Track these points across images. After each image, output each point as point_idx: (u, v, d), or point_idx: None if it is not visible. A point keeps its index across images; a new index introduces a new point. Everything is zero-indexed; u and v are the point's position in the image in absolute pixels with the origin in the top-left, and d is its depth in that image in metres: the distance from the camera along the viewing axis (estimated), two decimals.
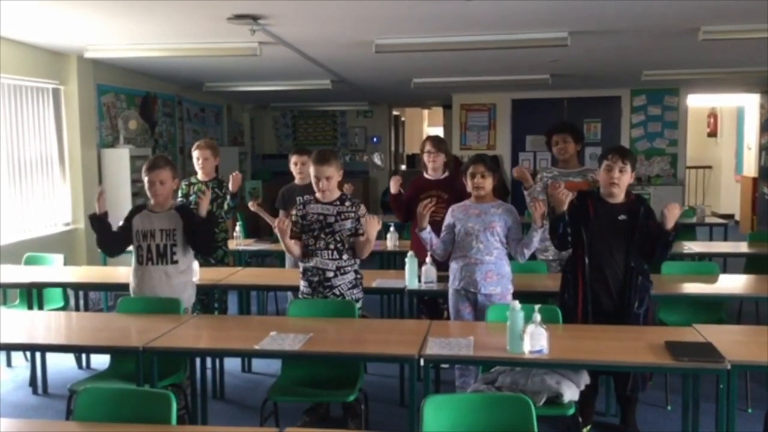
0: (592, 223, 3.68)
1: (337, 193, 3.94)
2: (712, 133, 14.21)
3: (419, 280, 4.40)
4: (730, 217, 11.99)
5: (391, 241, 6.01)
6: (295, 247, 3.98)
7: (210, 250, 4.22)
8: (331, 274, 3.88)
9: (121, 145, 7.59)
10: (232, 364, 4.96)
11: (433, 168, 4.97)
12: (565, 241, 3.77)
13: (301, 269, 4.00)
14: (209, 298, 4.97)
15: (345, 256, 3.90)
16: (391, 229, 6.09)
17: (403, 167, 15.30)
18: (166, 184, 3.99)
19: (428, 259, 4.36)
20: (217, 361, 4.57)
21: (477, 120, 11.45)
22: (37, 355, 4.75)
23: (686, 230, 6.77)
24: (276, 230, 3.89)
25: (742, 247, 6.31)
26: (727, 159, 13.50)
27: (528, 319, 3.09)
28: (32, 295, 4.82)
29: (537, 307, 3.11)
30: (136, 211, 4.09)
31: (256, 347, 3.28)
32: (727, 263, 6.13)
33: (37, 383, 4.73)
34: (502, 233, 3.99)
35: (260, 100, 12.12)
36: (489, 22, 5.42)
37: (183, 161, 9.16)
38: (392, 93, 11.17)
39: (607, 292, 3.67)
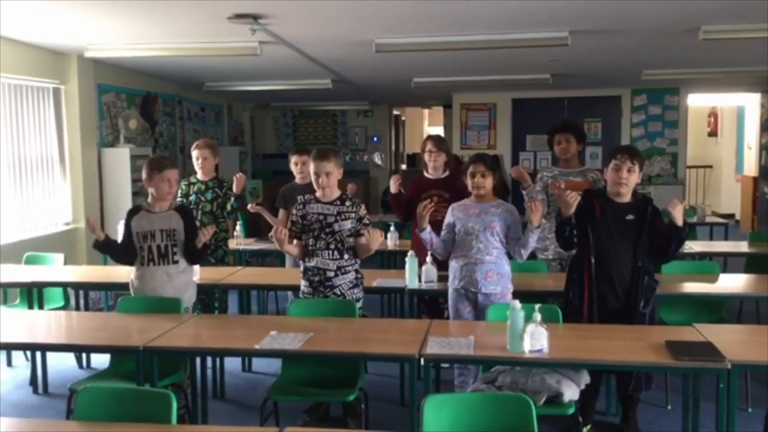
0: (599, 223, 3.67)
1: (337, 193, 3.94)
2: (713, 133, 14.21)
3: (419, 280, 4.40)
4: (731, 216, 12.00)
5: (392, 241, 6.01)
6: (294, 249, 3.98)
7: (196, 263, 4.24)
8: (331, 274, 3.88)
9: (121, 144, 7.60)
10: (232, 364, 4.96)
11: (434, 167, 4.97)
12: (571, 243, 3.77)
13: (301, 269, 4.00)
14: (209, 298, 4.98)
15: (345, 256, 3.90)
16: (392, 228, 6.09)
17: (404, 167, 15.30)
18: (176, 183, 4.06)
19: (428, 259, 4.36)
20: (218, 360, 4.57)
21: (477, 119, 11.45)
22: (38, 354, 4.75)
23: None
24: (274, 238, 3.89)
25: (743, 247, 6.31)
26: (727, 158, 13.49)
27: (528, 318, 3.09)
28: (32, 294, 4.82)
29: (537, 306, 3.11)
30: (132, 213, 4.07)
31: (257, 347, 3.29)
32: (728, 263, 6.13)
33: (38, 382, 4.74)
34: (502, 233, 3.99)
35: (261, 99, 12.12)
36: (489, 21, 5.42)
37: (183, 161, 9.16)
38: (393, 92, 11.17)
39: (613, 292, 3.67)
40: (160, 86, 8.85)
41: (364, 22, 5.44)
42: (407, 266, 4.42)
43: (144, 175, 4.02)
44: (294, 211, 3.98)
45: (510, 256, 4.09)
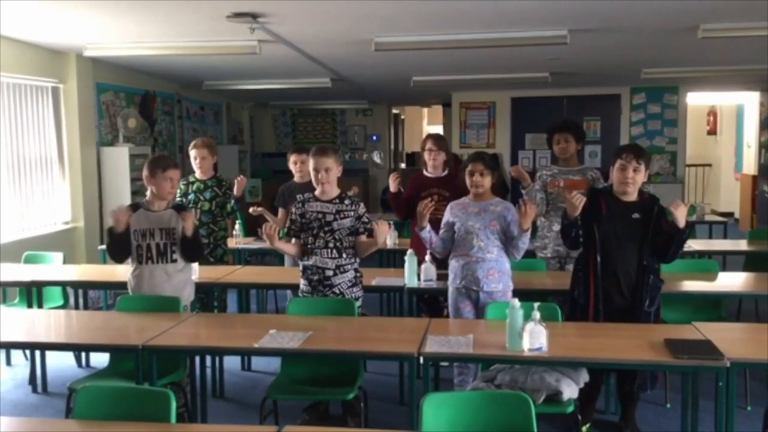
0: (605, 221, 3.67)
1: (336, 191, 3.94)
2: (712, 131, 14.21)
3: (419, 279, 4.40)
4: (730, 215, 12.00)
5: (391, 240, 6.00)
6: (288, 246, 3.99)
7: (195, 260, 4.20)
8: (330, 273, 3.88)
9: (120, 143, 7.59)
10: (231, 363, 4.96)
11: (434, 166, 4.96)
12: (577, 243, 3.77)
13: (300, 267, 4.00)
14: (209, 297, 4.98)
15: (344, 255, 3.90)
16: (391, 227, 6.08)
17: (403, 165, 15.30)
18: (178, 182, 4.07)
19: (428, 257, 4.36)
20: (217, 359, 4.57)
21: (476, 118, 11.44)
22: (37, 353, 4.74)
23: None
24: (264, 235, 3.88)
25: (742, 245, 6.31)
26: (726, 157, 13.50)
27: (527, 317, 3.09)
28: (32, 293, 4.82)
29: (536, 305, 3.11)
30: (131, 210, 4.06)
31: (256, 345, 3.28)
32: (727, 261, 6.13)
33: (37, 382, 4.73)
34: (502, 231, 3.98)
35: (260, 98, 12.12)
36: (488, 19, 5.42)
37: (182, 160, 9.15)
38: (392, 91, 11.17)
39: (619, 291, 3.66)
40: (159, 85, 8.84)
41: (363, 20, 5.44)
42: (406, 265, 4.42)
43: (145, 173, 4.01)
44: (293, 210, 3.98)
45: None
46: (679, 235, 3.59)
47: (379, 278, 4.64)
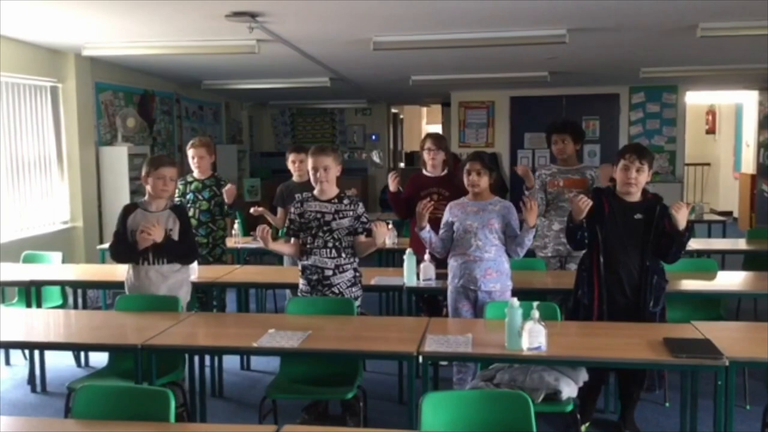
0: (607, 221, 3.67)
1: (335, 190, 3.94)
2: (711, 131, 14.21)
3: (418, 278, 4.40)
4: (729, 214, 12.00)
5: (390, 239, 6.00)
6: (284, 247, 4.00)
7: (185, 262, 4.14)
8: (329, 273, 3.88)
9: (119, 143, 7.59)
10: (230, 362, 4.95)
11: (433, 165, 4.96)
12: (582, 245, 3.77)
13: (300, 267, 4.00)
14: (207, 296, 4.98)
15: (343, 255, 3.90)
16: (390, 226, 6.08)
17: (402, 165, 15.30)
18: (173, 182, 4.04)
19: (427, 257, 4.36)
20: (216, 358, 4.56)
21: (475, 117, 11.45)
22: (36, 353, 4.74)
23: None
24: (258, 238, 3.88)
25: (741, 244, 6.32)
26: (725, 156, 13.51)
27: (526, 316, 3.09)
28: (30, 293, 4.82)
29: (535, 304, 3.11)
30: (128, 210, 4.04)
31: (255, 345, 3.29)
32: (726, 260, 6.13)
33: (36, 381, 4.73)
34: (501, 230, 3.98)
35: (259, 97, 12.12)
36: (487, 19, 5.42)
37: (181, 159, 9.15)
38: (391, 90, 11.17)
39: (622, 291, 3.66)
40: (158, 85, 8.84)
41: (361, 20, 5.44)
42: (405, 264, 4.42)
43: (143, 172, 4.02)
44: (292, 209, 3.98)
45: (509, 254, 4.09)
46: (680, 236, 3.58)
47: (378, 277, 4.64)
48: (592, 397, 3.89)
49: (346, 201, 3.92)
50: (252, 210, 5.70)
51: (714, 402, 3.00)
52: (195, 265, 4.51)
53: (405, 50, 6.28)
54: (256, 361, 5.11)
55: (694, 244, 5.96)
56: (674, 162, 11.07)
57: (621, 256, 3.66)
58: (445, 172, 4.98)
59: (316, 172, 3.86)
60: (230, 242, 6.08)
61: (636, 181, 3.64)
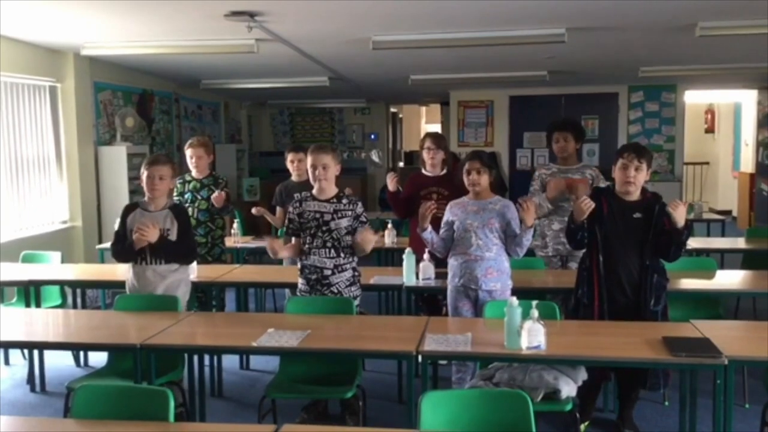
0: (607, 221, 3.67)
1: (334, 190, 3.93)
2: (710, 130, 14.22)
3: (417, 277, 4.40)
4: (728, 213, 12.00)
5: (389, 238, 6.01)
6: (291, 250, 3.99)
7: (183, 262, 4.14)
8: (328, 272, 3.88)
9: (118, 142, 7.58)
10: (230, 362, 4.96)
11: (432, 164, 4.96)
12: (582, 244, 3.78)
13: (299, 266, 4.00)
14: (207, 296, 4.97)
15: (342, 254, 3.89)
16: (389, 225, 6.09)
17: (401, 164, 15.30)
18: (164, 181, 3.99)
19: (426, 256, 4.36)
20: (215, 358, 4.56)
21: (474, 117, 11.45)
22: (35, 352, 4.74)
23: None
24: (269, 250, 3.91)
25: (740, 243, 6.32)
26: (724, 155, 13.51)
27: (526, 315, 3.09)
28: (29, 293, 4.81)
29: (534, 303, 3.11)
30: (129, 210, 4.06)
31: (254, 344, 3.28)
32: (725, 259, 6.14)
33: (35, 381, 4.73)
34: (501, 229, 3.98)
35: (258, 97, 12.11)
36: (486, 18, 5.42)
37: (180, 159, 9.14)
38: (390, 90, 11.17)
39: (621, 290, 3.66)
40: (157, 84, 8.83)
41: (360, 19, 5.44)
42: (405, 263, 4.42)
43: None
44: (290, 209, 3.98)
45: (509, 253, 4.09)
46: (678, 235, 3.58)
47: (377, 277, 4.64)
48: (591, 396, 3.89)
49: (344, 201, 3.92)
50: (253, 210, 5.70)
51: (713, 401, 3.00)
52: (194, 264, 4.51)
53: (404, 50, 6.28)
54: (255, 361, 5.11)
55: (693, 243, 5.97)
56: (673, 161, 11.08)
57: (620, 256, 3.66)
58: (445, 171, 4.98)
59: (315, 170, 3.86)
60: (229, 242, 6.08)
61: (635, 179, 3.63)
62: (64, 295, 5.38)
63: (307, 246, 3.90)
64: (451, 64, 8.06)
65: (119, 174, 7.32)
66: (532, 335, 3.06)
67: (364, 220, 3.94)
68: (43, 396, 4.67)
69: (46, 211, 6.77)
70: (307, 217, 3.89)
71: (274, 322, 3.59)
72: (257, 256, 6.80)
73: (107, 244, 6.40)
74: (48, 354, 4.85)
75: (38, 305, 4.84)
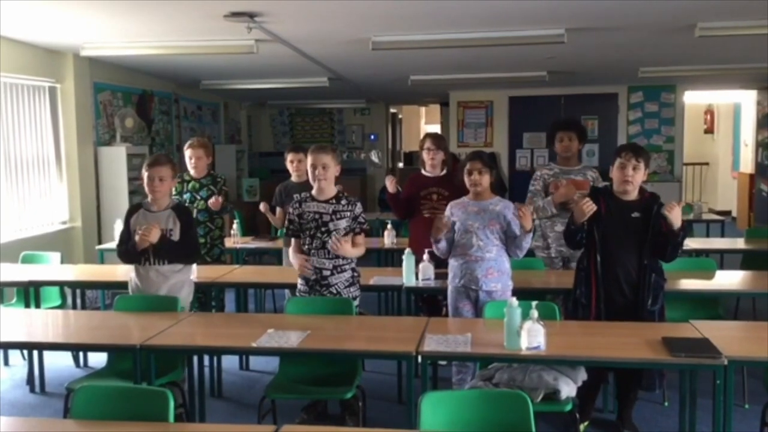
0: (605, 221, 3.67)
1: (333, 190, 3.93)
2: (709, 130, 14.22)
3: (417, 278, 4.40)
4: (727, 213, 12.02)
5: (389, 239, 6.01)
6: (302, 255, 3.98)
7: (188, 262, 4.13)
8: (327, 273, 3.88)
9: (117, 143, 7.58)
10: (229, 362, 4.96)
11: (432, 165, 4.96)
12: (580, 245, 3.78)
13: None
14: (207, 296, 4.97)
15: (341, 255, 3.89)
16: (389, 226, 6.10)
17: (401, 165, 15.30)
18: (165, 182, 3.99)
19: (426, 257, 4.36)
20: (215, 358, 4.56)
21: (474, 117, 11.45)
22: (35, 353, 4.74)
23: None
24: (299, 267, 3.90)
25: (739, 244, 6.32)
26: (723, 155, 13.51)
27: (525, 315, 3.09)
28: (29, 293, 4.81)
29: (534, 303, 3.11)
30: (132, 211, 4.07)
31: (254, 345, 3.28)
32: (724, 259, 6.14)
33: (35, 382, 4.72)
34: (501, 230, 3.98)
35: (257, 97, 12.11)
36: (486, 19, 5.42)
37: (180, 159, 9.13)
38: (389, 90, 11.17)
39: (620, 290, 3.67)
40: (157, 84, 8.83)
41: (360, 20, 5.44)
42: (404, 264, 4.42)
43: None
44: (290, 210, 3.98)
45: (509, 254, 4.09)
46: (675, 236, 3.58)
47: (377, 277, 4.64)
48: (591, 396, 3.89)
49: (343, 201, 3.92)
50: (261, 205, 5.66)
51: (713, 401, 3.00)
52: (194, 265, 4.50)
53: (404, 50, 6.28)
54: (255, 361, 5.11)
55: (692, 243, 5.97)
56: (673, 161, 11.08)
57: (619, 255, 3.66)
58: (444, 171, 4.98)
59: (315, 170, 3.86)
60: (229, 242, 6.08)
61: (632, 179, 3.64)
62: (63, 296, 5.38)
63: (306, 247, 3.90)
64: (450, 65, 8.07)
65: (119, 174, 7.32)
66: (532, 336, 3.06)
67: (363, 220, 3.94)
68: (43, 396, 4.67)
69: (46, 211, 6.77)
70: (306, 218, 3.89)
71: (274, 323, 3.59)
72: (257, 257, 6.80)
73: (107, 245, 6.43)
74: (47, 354, 4.85)
75: (38, 306, 4.84)
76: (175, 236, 3.97)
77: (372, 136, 13.53)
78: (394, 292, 4.84)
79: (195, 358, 3.72)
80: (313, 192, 3.94)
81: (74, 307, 5.56)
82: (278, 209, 5.55)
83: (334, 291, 3.89)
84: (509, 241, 3.98)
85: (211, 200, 5.31)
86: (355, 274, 3.99)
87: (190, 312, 4.05)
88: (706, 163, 14.06)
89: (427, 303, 4.94)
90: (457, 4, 4.88)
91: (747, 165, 11.71)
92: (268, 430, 2.43)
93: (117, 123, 7.64)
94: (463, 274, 4.01)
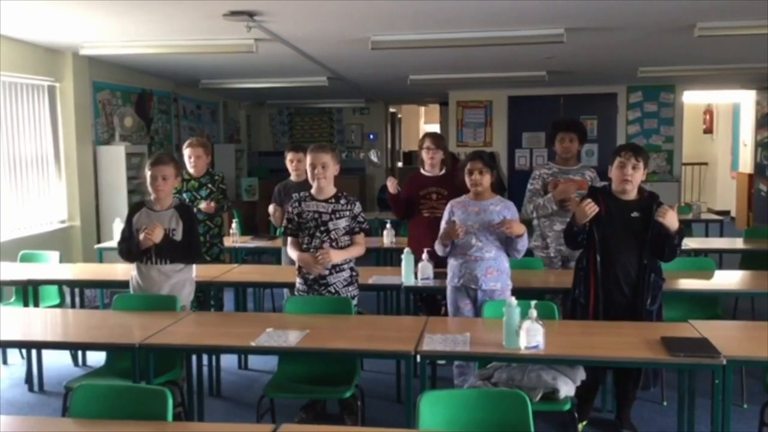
0: (604, 220, 3.67)
1: (332, 190, 3.93)
2: (708, 130, 14.23)
3: (416, 277, 4.40)
4: (726, 213, 12.02)
5: (388, 238, 6.01)
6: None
7: (189, 261, 4.13)
8: (326, 272, 3.87)
9: (116, 142, 7.58)
10: (228, 361, 4.95)
11: (431, 164, 4.96)
12: (580, 245, 3.78)
13: (296, 266, 3.99)
14: (205, 295, 4.97)
15: None
16: (388, 226, 6.10)
17: (400, 164, 15.30)
18: (168, 181, 3.99)
19: (425, 256, 4.36)
20: (214, 357, 4.56)
21: (473, 117, 11.45)
22: (33, 352, 4.73)
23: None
24: (308, 266, 3.87)
25: (738, 243, 6.33)
26: (722, 155, 13.52)
27: (524, 315, 3.09)
28: (28, 292, 4.81)
29: (533, 303, 3.11)
30: (135, 209, 4.07)
31: (253, 344, 3.28)
32: (723, 259, 6.14)
33: (33, 380, 4.72)
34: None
35: (257, 97, 12.11)
36: (485, 18, 5.42)
37: (179, 158, 9.12)
38: (389, 90, 11.17)
39: (619, 289, 3.66)
40: (156, 84, 8.83)
41: (359, 19, 5.44)
42: (403, 263, 4.42)
43: None
44: (289, 209, 3.98)
45: (508, 253, 4.09)
46: (671, 238, 3.58)
47: (376, 276, 4.64)
48: (589, 396, 3.89)
49: (343, 201, 3.91)
50: (270, 207, 5.64)
51: (711, 401, 3.00)
52: (193, 264, 4.50)
53: (403, 50, 6.28)
54: (253, 360, 5.11)
55: (691, 243, 5.97)
56: (672, 161, 11.09)
57: (618, 255, 3.66)
58: (443, 171, 4.98)
59: (314, 169, 3.86)
60: (228, 241, 6.08)
61: (632, 178, 3.64)
62: (62, 295, 5.37)
63: (305, 246, 3.90)
64: (450, 65, 8.07)
65: (118, 174, 7.31)
66: (531, 335, 3.06)
67: (362, 220, 3.94)
68: (41, 395, 4.66)
69: (45, 210, 6.76)
70: (306, 217, 3.89)
71: (273, 322, 3.59)
72: (256, 256, 6.80)
73: (105, 244, 6.43)
74: (46, 353, 4.85)
75: (36, 305, 4.84)
76: (178, 236, 3.97)
77: (371, 136, 13.53)
78: (393, 291, 4.84)
79: (194, 357, 3.72)
80: (313, 191, 3.93)
81: (73, 306, 5.55)
82: (276, 206, 5.54)
83: (333, 290, 3.89)
84: (508, 240, 3.98)
85: (203, 205, 5.32)
86: (354, 273, 3.99)
87: (190, 311, 4.05)
88: (705, 163, 14.07)
89: (426, 302, 4.94)
90: (456, 3, 4.88)
91: (746, 165, 11.71)
92: (267, 429, 2.43)
93: (116, 122, 7.63)
94: (463, 273, 4.01)
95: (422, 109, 17.11)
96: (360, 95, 11.83)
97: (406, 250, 4.49)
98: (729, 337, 3.26)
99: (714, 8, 5.13)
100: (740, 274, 5.08)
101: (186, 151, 5.51)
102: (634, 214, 3.65)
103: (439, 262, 4.31)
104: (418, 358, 3.13)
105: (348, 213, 3.88)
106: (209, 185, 5.47)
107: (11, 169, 6.30)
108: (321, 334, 3.42)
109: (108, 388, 2.78)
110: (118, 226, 6.15)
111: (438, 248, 4.11)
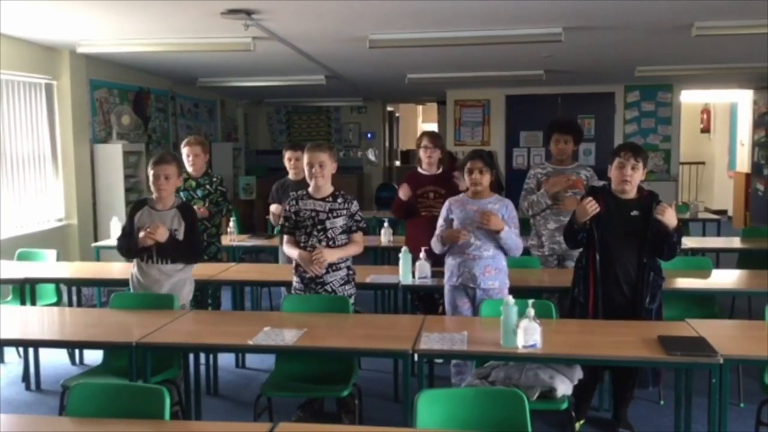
0: (604, 220, 3.67)
1: (330, 188, 3.92)
2: (706, 129, 14.25)
3: (413, 276, 4.40)
4: (723, 212, 12.04)
5: (385, 237, 6.01)
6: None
7: (191, 261, 4.14)
8: (323, 271, 3.87)
9: (114, 140, 7.56)
10: (225, 360, 4.95)
11: (429, 163, 4.96)
12: (580, 244, 3.78)
13: (293, 264, 3.99)
14: (203, 294, 4.97)
15: None
16: (386, 224, 6.09)
17: (398, 163, 15.30)
18: (170, 180, 4.00)
19: (422, 255, 4.36)
20: (211, 356, 4.56)
21: (471, 116, 11.45)
22: (30, 350, 4.73)
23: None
24: (307, 265, 3.86)
25: (735, 243, 6.34)
26: (720, 155, 13.54)
27: (521, 314, 3.10)
28: (25, 291, 4.80)
29: (530, 302, 3.11)
30: (137, 207, 4.07)
31: (250, 342, 3.28)
32: (720, 258, 6.15)
33: (30, 379, 4.72)
34: None
35: (254, 95, 12.09)
36: (483, 17, 5.42)
37: (179, 157, 9.12)
38: (386, 89, 11.16)
39: (619, 288, 3.67)
40: (153, 82, 8.81)
41: (357, 18, 5.44)
42: (401, 262, 4.42)
43: None
44: (287, 207, 3.97)
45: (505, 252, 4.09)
46: (670, 236, 3.59)
47: (373, 275, 4.64)
48: (587, 395, 3.89)
49: (340, 200, 3.91)
50: (273, 207, 5.64)
51: (708, 400, 3.00)
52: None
53: (401, 48, 6.27)
54: (251, 359, 5.11)
55: (688, 242, 5.97)
56: (669, 161, 11.10)
57: (618, 254, 3.66)
58: (441, 170, 4.98)
59: (311, 168, 3.85)
60: (226, 240, 6.07)
61: (631, 178, 3.64)
62: (59, 293, 5.37)
63: (302, 244, 3.90)
64: (447, 63, 8.07)
65: (115, 172, 7.30)
66: (528, 334, 3.06)
67: (359, 218, 3.94)
68: (39, 394, 4.66)
69: (42, 208, 6.75)
70: (303, 216, 3.88)
71: (270, 321, 3.59)
72: (253, 255, 6.80)
73: (103, 242, 6.42)
74: (43, 352, 4.84)
75: (33, 303, 4.83)
76: (180, 236, 3.97)
77: (369, 135, 13.53)
78: (391, 290, 4.85)
79: (191, 356, 3.71)
80: (310, 190, 3.93)
81: (70, 304, 5.54)
82: (278, 206, 5.54)
83: (329, 289, 3.89)
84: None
85: (196, 207, 5.31)
86: (351, 272, 3.99)
87: (190, 309, 4.05)
88: (703, 163, 14.09)
89: (424, 301, 4.94)
90: (454, 2, 4.88)
91: (743, 164, 11.73)
92: (264, 427, 2.43)
93: (113, 120, 7.62)
94: (461, 272, 4.01)
95: (420, 107, 17.12)
96: (358, 94, 11.82)
97: (404, 249, 4.50)
98: (726, 336, 3.27)
99: (711, 8, 5.13)
100: (737, 274, 5.09)
101: (184, 150, 5.50)
102: (634, 213, 3.66)
103: (436, 261, 4.32)
104: (416, 356, 3.13)
105: (345, 212, 3.88)
106: (207, 186, 5.46)
107: (8, 167, 6.29)
108: (318, 333, 3.42)
109: (105, 387, 2.77)
110: (115, 225, 6.16)
111: (435, 245, 4.11)
